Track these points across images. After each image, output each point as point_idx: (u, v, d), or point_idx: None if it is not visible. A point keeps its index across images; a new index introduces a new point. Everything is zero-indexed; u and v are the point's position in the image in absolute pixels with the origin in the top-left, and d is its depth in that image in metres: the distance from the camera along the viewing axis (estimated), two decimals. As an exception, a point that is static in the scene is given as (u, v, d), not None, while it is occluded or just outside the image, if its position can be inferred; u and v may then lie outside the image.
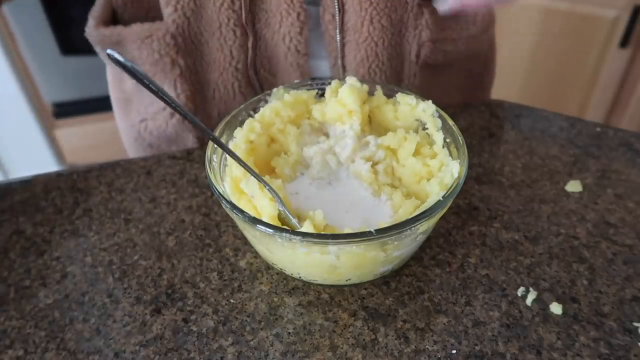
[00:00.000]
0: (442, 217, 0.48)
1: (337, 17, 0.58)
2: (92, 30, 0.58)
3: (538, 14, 1.41)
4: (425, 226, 0.39)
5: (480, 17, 0.65)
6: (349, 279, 0.42)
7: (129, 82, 0.65)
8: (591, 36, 1.38)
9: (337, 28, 0.58)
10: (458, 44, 0.64)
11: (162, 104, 0.62)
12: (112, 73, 0.68)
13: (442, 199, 0.38)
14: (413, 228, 0.37)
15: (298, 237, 0.36)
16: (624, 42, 1.34)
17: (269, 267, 0.46)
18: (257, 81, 0.61)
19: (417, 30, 0.60)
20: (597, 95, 1.47)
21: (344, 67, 0.61)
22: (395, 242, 0.38)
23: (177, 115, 0.62)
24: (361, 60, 0.60)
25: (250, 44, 0.58)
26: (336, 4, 0.57)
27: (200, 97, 0.62)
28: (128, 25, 0.57)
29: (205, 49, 0.59)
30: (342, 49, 0.60)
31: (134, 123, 0.66)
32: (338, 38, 0.59)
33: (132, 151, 0.71)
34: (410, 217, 0.37)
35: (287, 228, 0.37)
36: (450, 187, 0.39)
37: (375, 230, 0.36)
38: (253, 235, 0.41)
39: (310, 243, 0.36)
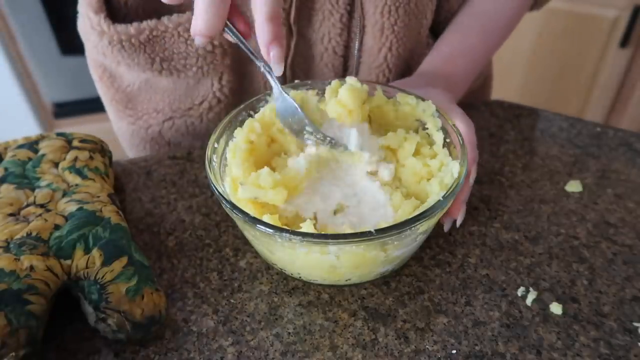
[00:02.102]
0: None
1: (357, 37, 0.58)
2: (108, 27, 0.55)
3: (538, 14, 1.40)
4: (425, 226, 0.39)
5: None
6: (349, 279, 0.42)
7: (129, 81, 0.64)
8: (591, 36, 1.38)
9: (356, 47, 0.59)
10: None
11: (196, 99, 0.62)
12: (100, 72, 0.65)
13: (442, 199, 0.38)
14: (413, 228, 0.37)
15: (298, 237, 0.36)
16: (624, 42, 1.34)
17: (269, 267, 0.46)
18: (292, 80, 0.61)
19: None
20: (597, 95, 1.47)
21: None
22: (395, 242, 0.38)
23: (215, 109, 0.62)
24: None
25: (293, 43, 0.58)
26: (359, 23, 0.57)
27: (241, 90, 0.61)
28: (163, 17, 0.55)
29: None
30: (358, 67, 0.60)
31: (150, 123, 0.65)
32: (355, 56, 0.60)
33: (135, 151, 0.70)
34: (410, 217, 0.37)
35: (287, 228, 0.37)
36: (450, 187, 0.39)
37: (375, 230, 0.36)
38: (253, 235, 0.41)
39: (310, 243, 0.36)
